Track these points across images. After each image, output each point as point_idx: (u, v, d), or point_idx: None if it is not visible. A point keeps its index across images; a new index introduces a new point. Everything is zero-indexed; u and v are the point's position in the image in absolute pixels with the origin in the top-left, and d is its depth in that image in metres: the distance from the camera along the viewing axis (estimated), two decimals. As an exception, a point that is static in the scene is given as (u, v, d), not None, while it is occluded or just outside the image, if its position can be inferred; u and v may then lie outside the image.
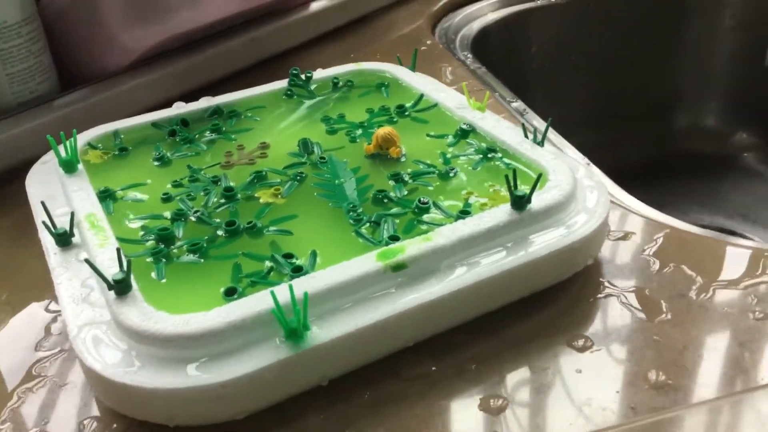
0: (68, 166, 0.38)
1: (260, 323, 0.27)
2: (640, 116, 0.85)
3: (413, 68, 0.49)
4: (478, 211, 0.33)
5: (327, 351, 0.27)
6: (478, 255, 0.31)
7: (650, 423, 0.27)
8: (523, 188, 0.33)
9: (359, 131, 0.42)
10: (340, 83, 0.48)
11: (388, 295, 0.29)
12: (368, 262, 0.30)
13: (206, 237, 0.33)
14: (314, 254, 0.31)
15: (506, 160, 0.38)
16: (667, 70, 0.84)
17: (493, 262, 0.31)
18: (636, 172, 0.65)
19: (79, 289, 0.31)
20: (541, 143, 0.38)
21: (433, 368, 0.30)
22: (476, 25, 0.73)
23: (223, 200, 0.36)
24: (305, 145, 0.41)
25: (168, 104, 0.47)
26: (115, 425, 0.29)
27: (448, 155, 0.39)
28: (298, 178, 0.38)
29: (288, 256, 0.32)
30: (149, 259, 0.32)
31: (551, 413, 0.28)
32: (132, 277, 0.29)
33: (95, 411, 0.30)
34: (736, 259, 0.35)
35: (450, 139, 0.41)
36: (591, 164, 0.45)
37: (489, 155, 0.38)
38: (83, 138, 0.42)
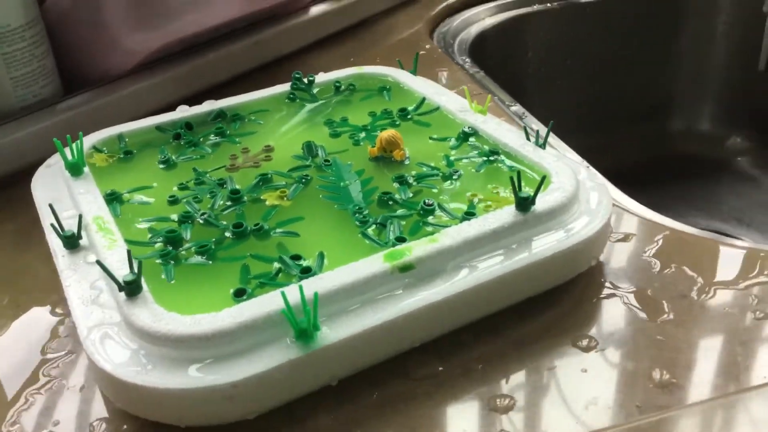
0: (74, 169, 0.39)
1: (270, 324, 0.28)
2: (635, 120, 0.86)
3: (414, 72, 0.50)
4: (483, 212, 0.34)
5: (336, 351, 0.28)
6: (484, 256, 0.32)
7: (656, 421, 0.27)
8: (527, 190, 0.33)
9: (362, 134, 0.43)
10: (342, 87, 0.49)
11: (396, 296, 0.30)
12: (376, 263, 0.30)
13: (214, 239, 0.34)
14: (322, 256, 0.32)
15: (509, 163, 0.38)
16: (661, 74, 0.85)
17: (498, 263, 0.31)
18: (631, 175, 0.66)
19: (89, 291, 0.31)
20: (542, 146, 0.39)
21: (440, 368, 0.30)
22: (474, 30, 0.73)
23: (229, 203, 0.37)
24: (309, 148, 0.41)
25: (170, 108, 0.47)
26: (125, 426, 0.29)
27: (452, 158, 0.39)
28: (303, 181, 0.38)
29: (296, 257, 0.32)
30: (158, 261, 0.32)
31: (558, 412, 0.28)
32: (142, 278, 0.29)
33: (105, 412, 0.30)
34: (735, 260, 0.36)
35: (453, 141, 0.41)
36: (590, 167, 0.46)
37: (492, 158, 0.39)
38: (88, 141, 0.42)
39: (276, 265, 0.31)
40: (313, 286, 0.29)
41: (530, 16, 0.78)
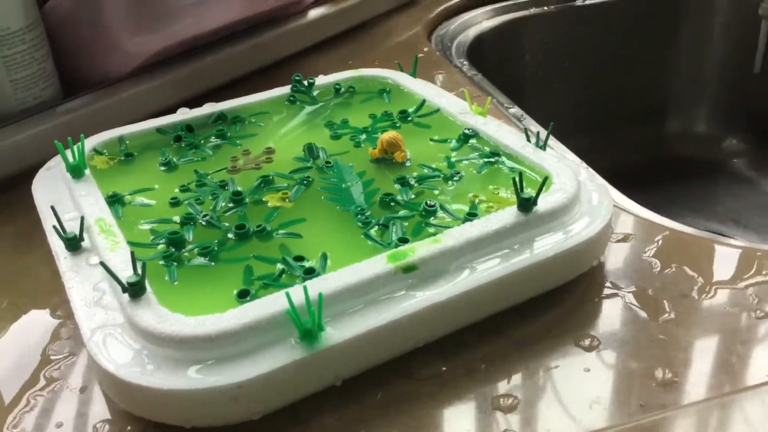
0: (76, 172, 0.39)
1: (274, 324, 0.28)
2: (632, 122, 0.87)
3: (414, 74, 0.50)
4: (485, 213, 0.34)
5: (341, 351, 0.28)
6: (486, 257, 0.32)
7: (660, 419, 0.27)
8: (529, 191, 0.33)
9: (363, 136, 0.43)
10: (342, 89, 0.49)
11: (399, 297, 0.30)
12: (379, 263, 0.30)
13: (216, 240, 0.34)
14: (325, 257, 0.32)
15: (510, 164, 0.38)
16: (658, 77, 0.86)
17: (501, 264, 0.31)
18: (629, 176, 0.66)
19: (91, 293, 0.31)
20: (543, 147, 0.39)
21: (444, 368, 0.30)
22: (471, 33, 0.73)
23: (231, 204, 0.37)
24: (310, 150, 0.41)
25: (170, 111, 0.47)
26: (129, 428, 0.29)
27: (453, 159, 0.39)
28: (305, 183, 0.38)
29: (299, 258, 0.32)
30: (161, 263, 0.32)
31: (562, 411, 0.28)
32: (146, 280, 0.29)
33: (107, 414, 0.30)
34: (735, 259, 0.36)
35: (453, 143, 0.41)
36: (588, 168, 0.46)
37: (493, 159, 0.39)
38: (88, 144, 0.42)
39: (279, 266, 0.31)
40: (317, 286, 0.29)
41: (527, 19, 0.78)
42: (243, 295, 0.30)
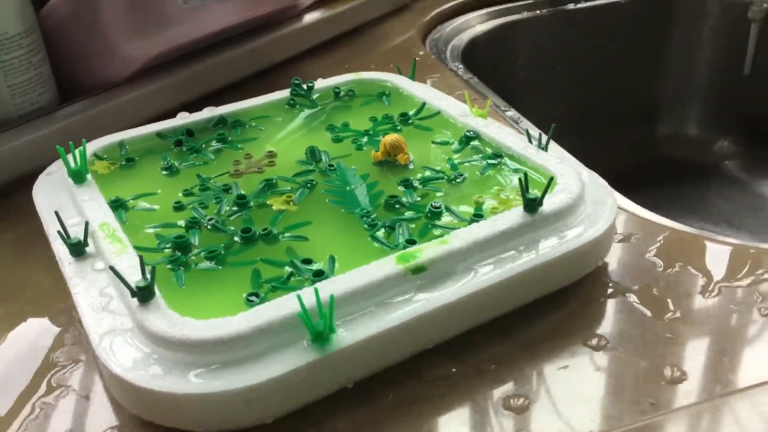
0: (77, 177, 0.38)
1: (286, 327, 0.28)
2: (623, 125, 0.87)
3: (413, 77, 0.50)
4: (490, 214, 0.34)
5: (352, 353, 0.28)
6: (493, 258, 0.32)
7: (673, 415, 0.27)
8: (534, 192, 0.33)
9: (365, 139, 0.43)
10: (342, 93, 0.49)
11: (409, 298, 0.30)
12: (388, 265, 0.30)
13: (222, 244, 0.33)
14: (333, 259, 0.32)
15: (513, 165, 0.39)
16: (649, 80, 0.86)
17: (509, 264, 0.31)
18: (621, 179, 0.67)
19: (98, 298, 0.31)
20: (545, 148, 0.39)
21: (453, 369, 0.31)
22: (465, 37, 0.74)
23: (235, 208, 0.36)
24: (313, 153, 0.41)
25: (168, 115, 0.47)
26: (138, 433, 0.29)
27: (455, 161, 0.40)
28: (309, 186, 0.38)
29: (306, 261, 0.32)
30: (168, 267, 0.32)
31: (574, 411, 0.28)
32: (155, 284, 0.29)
33: (116, 420, 0.29)
34: (737, 258, 0.36)
35: (455, 145, 0.41)
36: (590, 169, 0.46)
37: (495, 161, 0.39)
38: (89, 149, 0.42)
39: (287, 269, 0.31)
40: (326, 289, 0.29)
41: (520, 23, 0.79)
42: (252, 299, 0.30)
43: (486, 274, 0.31)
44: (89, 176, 0.39)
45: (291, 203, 0.37)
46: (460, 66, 0.67)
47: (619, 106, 0.86)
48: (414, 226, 0.34)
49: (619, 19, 0.82)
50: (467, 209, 0.35)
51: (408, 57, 0.65)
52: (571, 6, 0.81)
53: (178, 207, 0.37)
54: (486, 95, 0.59)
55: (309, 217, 0.36)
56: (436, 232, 0.33)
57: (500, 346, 0.32)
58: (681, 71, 0.85)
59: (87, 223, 0.34)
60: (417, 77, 0.52)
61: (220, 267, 0.32)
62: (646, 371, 0.30)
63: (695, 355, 0.31)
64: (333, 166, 0.40)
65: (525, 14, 0.79)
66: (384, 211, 0.36)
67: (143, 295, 0.29)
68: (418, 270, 0.30)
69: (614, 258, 0.37)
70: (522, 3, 0.81)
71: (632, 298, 0.34)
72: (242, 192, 0.38)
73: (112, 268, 0.29)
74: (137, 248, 0.33)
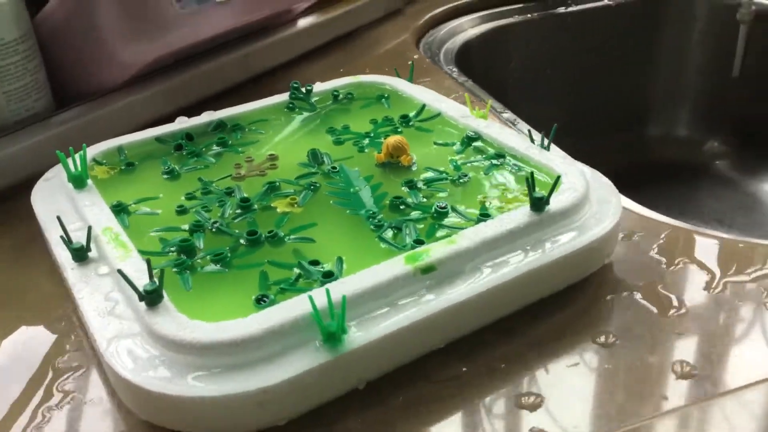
0: (78, 182, 0.38)
1: (297, 328, 0.27)
2: (614, 127, 0.88)
3: (411, 80, 0.50)
4: (496, 214, 0.34)
5: (365, 354, 0.28)
6: (501, 257, 0.32)
7: (686, 411, 0.27)
8: (540, 191, 0.33)
9: (366, 141, 0.43)
10: (341, 96, 0.49)
11: (419, 298, 0.30)
12: (398, 265, 0.30)
13: (228, 247, 0.33)
14: (341, 260, 0.32)
15: (516, 165, 0.39)
16: (639, 82, 0.87)
17: (518, 263, 0.31)
18: (614, 180, 0.67)
19: (103, 303, 0.31)
20: (547, 148, 0.39)
21: (464, 369, 0.30)
22: (458, 40, 0.74)
23: (239, 211, 0.36)
24: (315, 156, 0.41)
25: (164, 120, 0.47)
26: (148, 438, 0.28)
27: (458, 162, 0.40)
28: (312, 188, 0.38)
29: (314, 263, 0.32)
30: (173, 270, 0.32)
31: (587, 407, 0.28)
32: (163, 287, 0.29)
33: (124, 426, 0.29)
34: (740, 254, 0.37)
35: (457, 146, 0.41)
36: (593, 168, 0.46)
37: (498, 161, 0.39)
38: (88, 154, 0.41)
39: (296, 270, 0.31)
40: (337, 290, 0.28)
41: (512, 26, 0.79)
42: (261, 301, 0.29)
43: (495, 273, 0.31)
44: (89, 181, 0.39)
45: (295, 205, 0.37)
46: (454, 69, 0.67)
47: (610, 108, 0.87)
48: (421, 226, 0.34)
49: (610, 23, 0.83)
50: (473, 209, 0.35)
51: (402, 60, 0.66)
52: (561, 10, 0.82)
53: (181, 211, 0.36)
54: (482, 98, 0.59)
55: (314, 219, 0.35)
56: (443, 232, 0.33)
57: (509, 345, 0.32)
58: (671, 73, 0.86)
59: (90, 228, 0.34)
60: (414, 80, 0.52)
61: (227, 270, 0.32)
62: (656, 367, 0.30)
63: (704, 350, 0.31)
64: (336, 168, 0.40)
65: (516, 18, 0.80)
66: (389, 212, 0.36)
67: (151, 298, 0.28)
68: (427, 270, 0.30)
69: (619, 256, 0.37)
70: (513, 7, 0.81)
71: (638, 295, 0.34)
72: (245, 195, 0.37)
73: (120, 272, 0.29)
74: (142, 252, 0.33)
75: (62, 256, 0.34)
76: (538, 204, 0.33)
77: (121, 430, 0.29)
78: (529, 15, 0.80)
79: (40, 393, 0.31)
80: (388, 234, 0.34)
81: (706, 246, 0.38)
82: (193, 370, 0.27)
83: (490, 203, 0.36)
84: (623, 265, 0.36)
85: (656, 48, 0.85)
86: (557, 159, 0.38)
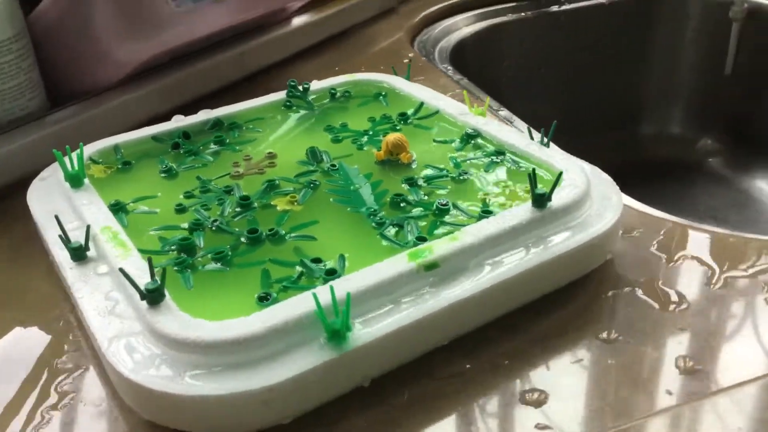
0: (75, 181, 0.38)
1: (301, 326, 0.27)
2: (608, 125, 0.88)
3: (408, 78, 0.50)
4: (498, 210, 0.34)
5: (369, 351, 0.28)
6: (504, 253, 0.32)
7: (698, 404, 0.28)
8: (541, 187, 0.33)
9: (365, 139, 0.43)
10: (338, 94, 0.49)
11: (423, 295, 0.30)
12: (401, 262, 0.30)
13: (228, 245, 0.33)
14: (343, 258, 0.32)
15: (517, 162, 0.39)
16: (633, 80, 0.87)
17: (522, 259, 0.31)
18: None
19: (103, 302, 0.31)
20: (547, 145, 0.39)
21: (467, 366, 0.30)
22: (453, 39, 0.74)
23: (239, 209, 0.36)
24: (314, 154, 0.41)
25: (159, 119, 0.46)
26: (150, 438, 0.28)
27: (458, 159, 0.39)
28: (312, 186, 0.38)
29: (316, 260, 0.32)
30: (174, 269, 0.31)
31: (591, 403, 0.28)
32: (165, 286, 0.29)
33: (125, 425, 0.29)
34: (739, 249, 0.37)
35: (456, 143, 0.41)
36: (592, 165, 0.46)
37: (498, 158, 0.39)
38: (84, 153, 0.41)
39: (298, 268, 0.31)
40: (340, 287, 0.28)
41: (506, 25, 0.79)
42: (264, 299, 0.29)
43: (498, 270, 0.31)
44: (86, 180, 0.38)
45: (295, 203, 0.36)
46: (449, 67, 0.67)
47: (604, 106, 0.87)
48: (423, 224, 0.34)
49: (603, 21, 0.83)
50: (474, 206, 0.35)
51: (397, 59, 0.65)
52: (555, 8, 0.82)
53: (180, 209, 0.36)
54: (478, 95, 0.59)
55: (314, 217, 0.35)
56: (445, 229, 0.33)
57: (512, 341, 0.32)
58: (664, 72, 0.86)
59: (89, 227, 0.33)
60: (409, 78, 0.52)
61: (228, 268, 0.32)
62: (659, 362, 0.30)
63: (706, 345, 0.31)
64: (335, 166, 0.40)
65: (510, 16, 0.80)
66: (390, 210, 0.35)
67: (153, 297, 0.28)
68: (430, 267, 0.30)
69: (619, 252, 0.37)
70: (507, 5, 0.81)
71: (640, 291, 0.34)
72: (245, 193, 0.37)
73: (122, 270, 0.28)
74: (141, 251, 0.32)
75: (60, 255, 0.34)
76: (540, 200, 0.33)
77: (123, 431, 0.29)
78: (522, 13, 0.80)
79: (39, 394, 0.30)
80: (390, 231, 0.33)
81: (706, 242, 0.38)
82: (196, 368, 0.26)
83: (492, 200, 0.36)
84: (623, 261, 0.36)
85: (649, 46, 0.85)
86: (557, 156, 0.38)
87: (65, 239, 0.33)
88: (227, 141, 0.43)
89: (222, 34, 0.55)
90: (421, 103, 0.46)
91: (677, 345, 0.31)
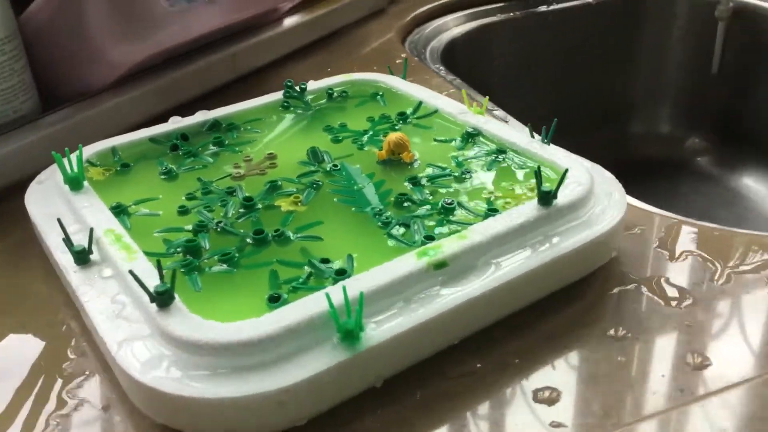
0: (74, 183, 0.37)
1: (313, 327, 0.27)
2: (596, 124, 0.89)
3: (404, 77, 0.50)
4: (504, 209, 0.34)
5: (382, 351, 0.27)
6: (512, 251, 0.32)
7: (708, 396, 0.28)
8: (546, 185, 0.34)
9: (365, 138, 0.42)
10: (335, 94, 0.48)
11: (433, 294, 0.29)
12: (410, 261, 0.30)
13: (234, 247, 0.33)
14: (351, 258, 0.31)
15: (519, 160, 0.39)
16: (621, 80, 0.88)
17: (530, 257, 0.31)
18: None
19: (110, 306, 0.30)
20: (547, 142, 0.39)
21: (478, 365, 0.30)
22: (444, 39, 0.74)
23: (242, 210, 0.36)
24: (315, 154, 0.41)
25: (153, 121, 0.46)
26: (162, 442, 0.28)
27: (460, 158, 0.39)
28: (315, 186, 0.38)
29: (324, 261, 0.31)
30: (181, 271, 0.31)
31: (603, 400, 0.28)
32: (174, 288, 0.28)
33: (134, 430, 0.28)
34: (742, 245, 0.37)
35: (458, 142, 0.41)
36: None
37: (500, 156, 0.39)
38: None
39: (306, 269, 0.31)
40: (351, 287, 0.28)
41: (495, 25, 0.80)
42: (274, 300, 0.29)
43: (508, 268, 0.31)
44: (85, 183, 0.38)
45: (299, 204, 0.36)
46: (441, 68, 0.67)
47: (592, 106, 0.87)
48: (432, 223, 0.34)
49: (590, 21, 0.84)
50: (479, 205, 0.35)
51: (389, 59, 0.65)
52: (543, 8, 0.82)
53: (183, 211, 0.36)
54: (472, 95, 0.59)
55: (319, 217, 0.35)
56: (452, 228, 0.33)
57: (521, 340, 0.32)
58: (652, 71, 0.87)
59: (92, 230, 0.33)
60: (406, 77, 0.51)
61: (235, 270, 0.32)
62: (669, 359, 0.30)
63: (715, 340, 0.31)
64: (337, 166, 0.39)
65: (499, 16, 0.80)
66: (395, 209, 0.35)
67: (163, 299, 0.28)
68: (440, 265, 0.30)
69: (622, 249, 0.37)
70: (496, 6, 0.81)
71: (645, 287, 0.34)
72: (248, 194, 0.37)
73: (132, 273, 0.28)
74: (147, 254, 0.32)
75: (63, 259, 0.33)
76: (546, 198, 0.33)
77: (133, 435, 0.28)
78: (511, 14, 0.81)
79: (47, 400, 0.30)
80: (397, 231, 0.33)
81: (708, 238, 0.38)
82: (210, 371, 0.26)
83: (496, 199, 0.36)
84: (627, 258, 0.37)
85: (637, 46, 0.86)
86: (559, 154, 0.38)
87: (69, 242, 0.32)
88: (226, 142, 0.43)
89: (214, 35, 0.55)
90: (420, 103, 0.46)
91: (686, 341, 0.31)
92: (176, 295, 0.28)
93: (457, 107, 0.45)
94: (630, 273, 0.35)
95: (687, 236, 0.38)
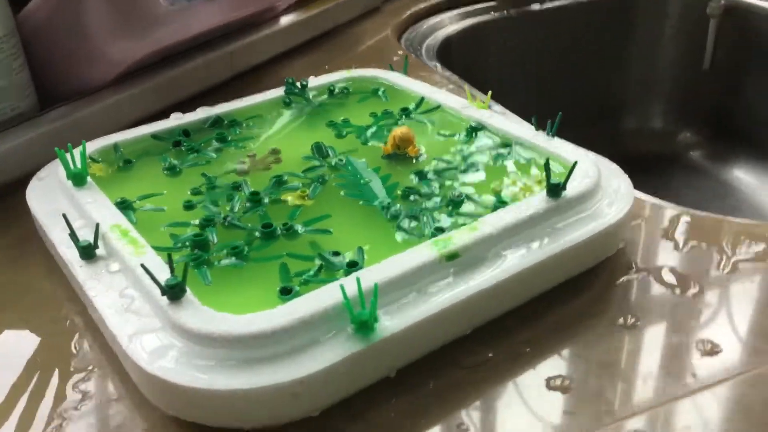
0: (77, 179, 0.37)
1: (326, 318, 0.27)
2: (590, 120, 0.89)
3: (405, 73, 0.50)
4: (512, 201, 0.34)
5: (396, 341, 0.27)
6: (521, 242, 0.32)
7: (717, 385, 0.28)
8: (553, 177, 0.34)
9: (369, 133, 0.42)
10: (336, 90, 0.48)
11: (446, 285, 0.29)
12: (423, 252, 0.30)
13: (243, 240, 0.33)
14: (361, 250, 0.31)
15: (524, 153, 0.39)
16: (614, 76, 0.88)
17: (540, 248, 0.31)
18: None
19: (119, 300, 0.30)
20: (552, 135, 0.40)
21: (490, 355, 0.30)
22: (439, 36, 0.74)
23: (248, 204, 0.36)
24: (319, 149, 0.41)
25: (152, 118, 0.46)
26: (174, 436, 0.27)
27: (465, 152, 0.40)
28: (321, 181, 0.37)
29: (335, 254, 0.31)
30: (191, 265, 0.31)
31: (617, 387, 0.28)
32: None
33: (144, 423, 0.28)
34: (747, 234, 0.37)
35: (462, 136, 0.41)
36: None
37: (506, 150, 0.39)
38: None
39: (317, 261, 0.31)
40: (365, 278, 0.28)
41: (490, 23, 0.80)
42: (286, 292, 0.29)
43: (518, 259, 0.31)
44: (89, 178, 0.37)
45: (306, 198, 0.36)
46: (437, 65, 0.67)
47: (586, 102, 0.88)
48: (440, 215, 0.34)
49: (584, 19, 0.84)
50: (487, 197, 0.35)
51: (386, 56, 0.65)
52: (536, 6, 0.83)
53: (189, 206, 0.36)
54: (472, 92, 0.59)
55: (326, 211, 0.35)
56: (461, 220, 0.33)
57: (531, 329, 0.32)
58: (645, 67, 0.87)
59: (98, 225, 0.33)
60: (407, 73, 0.52)
61: (244, 263, 0.31)
62: (680, 346, 0.30)
63: (724, 328, 0.31)
64: (342, 160, 0.39)
65: (494, 14, 0.80)
66: (402, 202, 0.35)
67: (174, 292, 0.28)
68: (452, 257, 0.30)
69: (628, 239, 0.37)
70: (489, 4, 0.82)
71: (653, 276, 0.35)
72: (254, 189, 0.37)
73: (143, 266, 0.28)
74: (155, 248, 0.32)
75: (68, 254, 0.33)
76: (555, 190, 0.33)
77: (144, 427, 0.28)
78: (505, 11, 0.81)
79: (55, 395, 0.30)
80: (406, 223, 0.33)
81: (713, 228, 0.38)
82: (223, 363, 0.26)
83: (504, 191, 0.36)
84: (633, 248, 0.37)
85: (630, 43, 0.86)
86: (565, 147, 0.38)
87: (75, 237, 0.32)
88: (229, 138, 0.43)
89: (212, 33, 0.55)
90: (422, 98, 0.46)
91: (696, 329, 0.31)
92: (187, 288, 0.28)
93: (459, 102, 0.45)
94: (638, 263, 0.36)
95: (691, 226, 0.38)
